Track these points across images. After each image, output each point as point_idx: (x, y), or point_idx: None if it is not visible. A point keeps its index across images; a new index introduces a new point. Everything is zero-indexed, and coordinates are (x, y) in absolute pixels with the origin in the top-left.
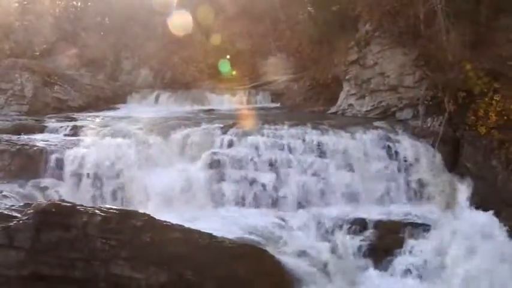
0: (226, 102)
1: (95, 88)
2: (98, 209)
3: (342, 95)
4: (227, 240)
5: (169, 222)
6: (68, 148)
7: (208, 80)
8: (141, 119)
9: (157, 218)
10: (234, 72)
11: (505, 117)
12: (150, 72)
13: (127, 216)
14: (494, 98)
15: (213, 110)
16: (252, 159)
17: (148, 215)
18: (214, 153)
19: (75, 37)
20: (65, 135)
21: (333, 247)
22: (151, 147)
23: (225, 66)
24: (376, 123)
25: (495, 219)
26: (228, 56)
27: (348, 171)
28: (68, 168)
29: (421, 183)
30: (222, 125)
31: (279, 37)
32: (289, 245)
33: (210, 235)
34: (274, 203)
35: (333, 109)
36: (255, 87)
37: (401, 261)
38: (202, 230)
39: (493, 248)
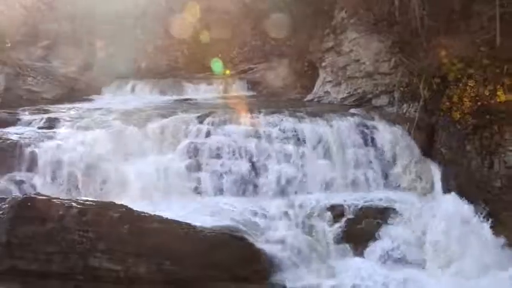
0: (203, 91)
1: (68, 79)
2: (74, 202)
3: (318, 82)
4: (206, 229)
5: (147, 212)
6: (43, 141)
7: (184, 69)
8: (117, 109)
9: (134, 208)
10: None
11: (479, 103)
12: (125, 62)
13: (104, 208)
14: (468, 84)
15: (189, 99)
16: (229, 148)
17: (126, 206)
18: (191, 142)
19: (47, 28)
20: (39, 127)
21: (311, 234)
22: (128, 138)
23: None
24: (352, 110)
25: (470, 204)
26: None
27: (325, 159)
28: (43, 161)
29: (397, 169)
30: (198, 115)
31: (255, 26)
32: (268, 233)
33: (188, 225)
34: (253, 192)
35: (310, 96)
36: (231, 76)
37: (378, 246)
38: (181, 220)
39: (469, 232)
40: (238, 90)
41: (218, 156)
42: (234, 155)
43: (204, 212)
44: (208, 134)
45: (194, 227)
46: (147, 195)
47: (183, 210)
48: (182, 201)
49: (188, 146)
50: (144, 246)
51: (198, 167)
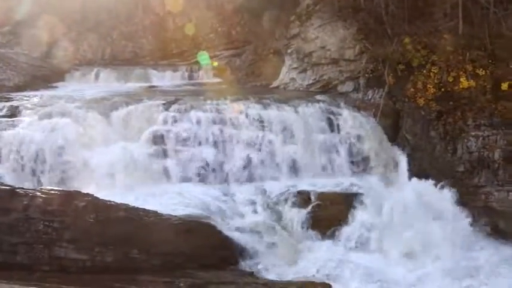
0: (168, 78)
1: (31, 67)
2: (39, 191)
3: (284, 69)
4: (173, 217)
5: (113, 201)
6: (5, 129)
7: (150, 57)
8: (81, 97)
9: (100, 197)
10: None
11: (443, 89)
12: (89, 49)
13: (69, 197)
14: (432, 70)
15: (155, 86)
16: (195, 135)
17: (92, 195)
18: (157, 130)
19: (9, 14)
20: (1, 116)
21: (279, 219)
22: (93, 126)
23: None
24: (318, 97)
25: (434, 189)
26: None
27: (292, 145)
28: (6, 151)
29: (363, 155)
30: (164, 102)
31: (220, 12)
32: (236, 219)
33: (155, 212)
34: (220, 178)
35: (275, 83)
36: (196, 63)
37: (345, 231)
38: (147, 208)
39: (433, 215)
40: (204, 77)
41: (184, 143)
42: (200, 141)
43: (171, 199)
44: (174, 121)
45: (161, 215)
46: (112, 184)
47: (150, 198)
48: (149, 189)
49: (154, 134)
50: (111, 235)
51: (165, 155)
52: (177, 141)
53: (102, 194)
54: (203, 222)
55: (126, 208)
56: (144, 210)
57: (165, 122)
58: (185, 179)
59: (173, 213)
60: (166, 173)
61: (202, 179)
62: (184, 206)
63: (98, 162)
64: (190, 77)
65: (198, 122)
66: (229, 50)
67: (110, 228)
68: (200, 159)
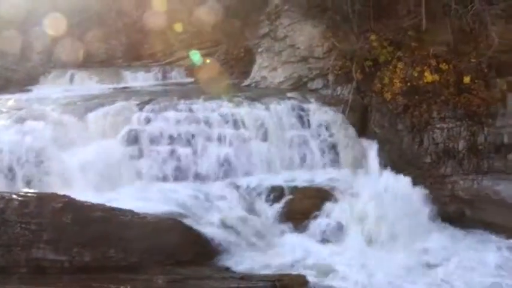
0: (141, 79)
1: (4, 70)
2: (15, 194)
3: (255, 67)
4: (149, 215)
5: (89, 202)
6: None
7: (123, 58)
8: (56, 99)
9: (77, 198)
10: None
11: (408, 83)
12: (64, 51)
13: (46, 199)
14: (398, 65)
15: (128, 87)
16: (169, 134)
17: (68, 196)
18: (132, 130)
19: None
20: None
21: (253, 214)
22: (68, 128)
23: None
24: (289, 94)
25: (403, 180)
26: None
27: (264, 141)
28: None
29: (334, 150)
30: (138, 102)
31: (192, 13)
32: (211, 216)
33: (131, 212)
34: (194, 176)
35: (247, 82)
36: (169, 63)
37: (318, 223)
38: (124, 207)
39: (403, 206)
40: (177, 77)
41: (159, 142)
42: (174, 140)
43: (146, 198)
44: (148, 121)
45: (137, 214)
46: (89, 185)
47: (126, 198)
48: (125, 189)
49: (129, 134)
50: (88, 235)
51: (140, 154)
52: (152, 140)
53: (79, 195)
54: (179, 220)
55: (103, 208)
56: (120, 209)
57: (139, 122)
58: (160, 178)
59: (148, 212)
60: (141, 172)
61: (177, 177)
62: (160, 204)
63: (74, 163)
64: (164, 77)
65: (172, 122)
66: (201, 50)
67: (87, 228)
68: (175, 158)
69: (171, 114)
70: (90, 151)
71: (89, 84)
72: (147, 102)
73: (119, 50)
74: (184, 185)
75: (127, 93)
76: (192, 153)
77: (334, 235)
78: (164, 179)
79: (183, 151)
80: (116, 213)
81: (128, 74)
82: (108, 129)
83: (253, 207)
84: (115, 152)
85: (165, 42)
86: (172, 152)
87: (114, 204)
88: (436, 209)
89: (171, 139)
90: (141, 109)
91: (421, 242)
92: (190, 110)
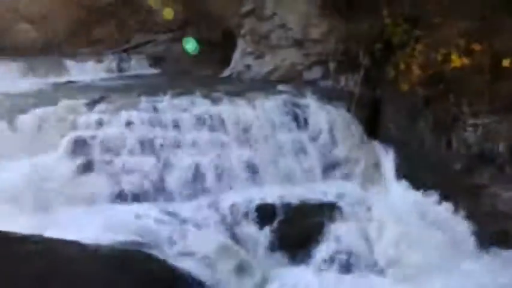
0: (91, 70)
1: None
2: None
3: (237, 54)
4: (102, 247)
5: (20, 233)
6: None
7: (66, 44)
8: None
9: (5, 229)
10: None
11: (430, 70)
12: None
13: None
14: (417, 48)
15: (74, 81)
16: (128, 141)
17: None
18: (79, 136)
19: None
20: None
21: (237, 241)
22: None
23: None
24: (279, 87)
25: (426, 193)
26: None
27: (250, 147)
28: None
29: (338, 156)
30: (86, 101)
31: None
32: (183, 245)
33: (78, 244)
34: (161, 194)
35: (226, 72)
36: (127, 51)
37: (321, 251)
38: (68, 238)
39: (429, 227)
40: (137, 67)
41: (115, 151)
42: (134, 149)
43: (98, 224)
44: (100, 125)
45: (86, 246)
46: (20, 209)
47: (71, 225)
48: (69, 213)
49: (74, 142)
50: (23, 275)
51: (89, 168)
52: (105, 150)
53: (6, 223)
54: (141, 252)
55: (39, 240)
56: (63, 241)
57: (88, 126)
58: (116, 198)
59: (102, 243)
60: (91, 190)
61: (138, 196)
62: (117, 232)
63: (0, 181)
64: (120, 68)
65: (131, 125)
66: (167, 33)
67: (20, 266)
68: (135, 171)
69: (129, 115)
70: (21, 166)
71: (20, 78)
72: (99, 101)
73: (62, 34)
74: (147, 206)
75: (71, 89)
76: (158, 164)
77: (344, 266)
78: (121, 198)
79: (145, 162)
80: (58, 246)
81: (72, 65)
82: (46, 137)
83: (237, 233)
84: (55, 166)
85: (120, 24)
86: (131, 164)
87: (55, 234)
88: (471, 230)
89: (130, 147)
90: (90, 109)
91: (458, 275)
92: (155, 110)
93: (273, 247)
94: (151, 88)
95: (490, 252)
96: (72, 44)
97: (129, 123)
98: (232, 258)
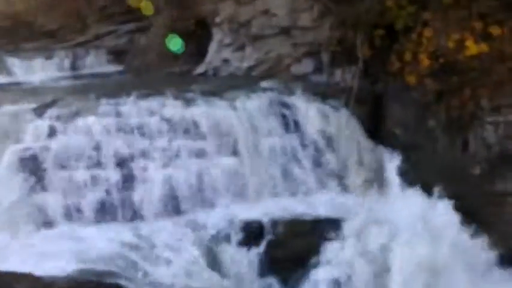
0: (39, 69)
1: None
2: None
3: (213, 46)
4: (58, 279)
5: None
6: None
7: (8, 38)
8: None
9: None
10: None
11: (442, 59)
12: None
13: None
14: (425, 33)
15: (18, 82)
16: (87, 152)
17: None
18: (26, 148)
19: None
20: None
21: (220, 266)
22: None
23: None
24: (264, 84)
25: (441, 201)
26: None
27: (231, 156)
28: None
29: (334, 163)
30: (35, 105)
31: None
32: (155, 273)
33: (30, 275)
34: (128, 213)
35: (201, 68)
36: (82, 44)
37: (317, 276)
38: (18, 270)
39: (441, 241)
40: (95, 64)
41: (71, 165)
42: (96, 161)
43: (53, 251)
44: (52, 134)
45: (40, 278)
46: None
47: (21, 254)
48: (17, 239)
49: (21, 155)
50: None
51: (41, 185)
52: (60, 164)
53: None
54: (106, 283)
55: None
56: (12, 273)
57: (38, 136)
58: (76, 219)
59: (60, 273)
60: (44, 212)
61: (102, 216)
62: (77, 260)
63: None
64: (74, 66)
65: (90, 133)
66: (129, 23)
67: None
68: (96, 187)
69: (88, 121)
70: None
71: None
72: (50, 105)
73: (1, 25)
74: (112, 228)
75: (15, 92)
76: (124, 178)
77: None
78: (82, 220)
79: (109, 176)
80: (7, 279)
81: (15, 63)
82: None
83: (219, 255)
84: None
85: (73, 12)
86: (92, 180)
87: (2, 266)
88: (491, 246)
89: (90, 160)
90: (40, 116)
91: None
92: (118, 114)
93: (260, 272)
94: (112, 88)
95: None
96: (13, 38)
97: (87, 131)
98: (216, 286)
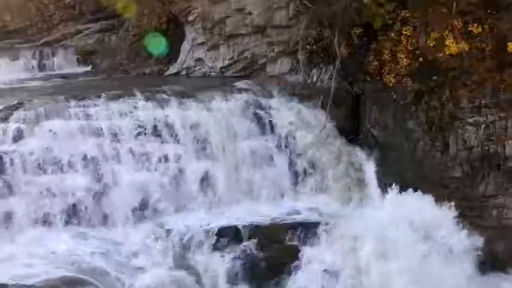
0: (4, 70)
1: None
2: None
3: (185, 46)
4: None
5: None
6: None
7: None
8: None
9: None
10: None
11: (421, 58)
12: None
13: None
14: (404, 32)
15: None
16: (55, 156)
17: None
18: None
19: None
20: None
21: (193, 274)
22: None
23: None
24: (239, 84)
25: (421, 203)
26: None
27: (205, 159)
28: None
29: (312, 165)
30: (0, 107)
31: None
32: (126, 280)
33: None
34: (98, 219)
35: (174, 68)
36: (49, 44)
37: (295, 280)
38: None
39: (423, 246)
40: (63, 65)
41: (39, 169)
42: (63, 165)
43: (21, 259)
44: (19, 137)
45: (3, 286)
46: None
47: None
48: None
49: None
50: None
51: (8, 190)
52: (27, 167)
53: None
54: None
55: None
56: None
57: (3, 139)
58: (44, 226)
59: (28, 282)
60: (10, 219)
61: (71, 222)
62: (46, 267)
63: None
64: (41, 67)
65: (58, 136)
66: (98, 22)
67: None
68: (65, 193)
69: (55, 124)
70: None
71: None
72: (16, 108)
73: None
74: (82, 234)
75: None
76: (93, 183)
77: None
78: (50, 226)
79: (77, 181)
80: None
81: None
82: None
83: (193, 263)
84: None
85: (40, 11)
86: (61, 183)
87: None
88: (474, 250)
89: (58, 163)
90: (6, 118)
91: None
92: (87, 117)
93: (235, 279)
94: (81, 90)
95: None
96: None
97: (55, 134)
98: None
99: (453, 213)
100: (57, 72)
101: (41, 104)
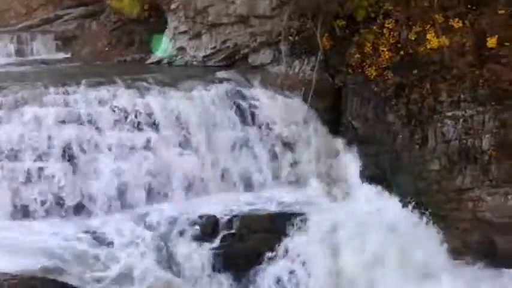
0: None
1: None
2: None
3: (168, 34)
4: (6, 276)
5: None
6: None
7: None
8: None
9: None
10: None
11: (402, 52)
12: None
13: None
14: (386, 25)
15: None
16: (33, 144)
17: None
18: None
19: None
20: None
21: (172, 262)
22: None
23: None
24: (221, 74)
25: (399, 199)
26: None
27: (185, 149)
28: None
29: (293, 156)
30: None
31: None
32: (105, 268)
33: None
34: (77, 208)
35: (155, 57)
36: (28, 29)
37: (272, 271)
38: None
39: (399, 238)
40: (42, 51)
41: (16, 157)
42: (41, 153)
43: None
44: None
45: None
46: None
47: None
48: None
49: None
50: None
51: None
52: (3, 154)
53: None
54: (54, 280)
55: None
56: None
57: None
58: (21, 214)
59: (4, 269)
60: None
61: (48, 211)
62: (23, 255)
63: None
64: (19, 52)
65: (37, 123)
66: (79, 7)
67: None
68: (43, 181)
69: (34, 110)
70: None
71: None
72: None
73: None
74: (61, 223)
75: None
76: (72, 171)
77: (298, 284)
78: (27, 215)
79: (56, 169)
80: None
81: None
82: None
83: (171, 252)
84: None
85: None
86: (39, 171)
87: None
88: (450, 240)
89: (36, 151)
90: None
91: None
92: (66, 103)
93: (215, 268)
94: (60, 76)
95: (468, 269)
96: None
97: (34, 121)
98: (168, 282)
99: (427, 207)
100: (36, 57)
101: (19, 90)
